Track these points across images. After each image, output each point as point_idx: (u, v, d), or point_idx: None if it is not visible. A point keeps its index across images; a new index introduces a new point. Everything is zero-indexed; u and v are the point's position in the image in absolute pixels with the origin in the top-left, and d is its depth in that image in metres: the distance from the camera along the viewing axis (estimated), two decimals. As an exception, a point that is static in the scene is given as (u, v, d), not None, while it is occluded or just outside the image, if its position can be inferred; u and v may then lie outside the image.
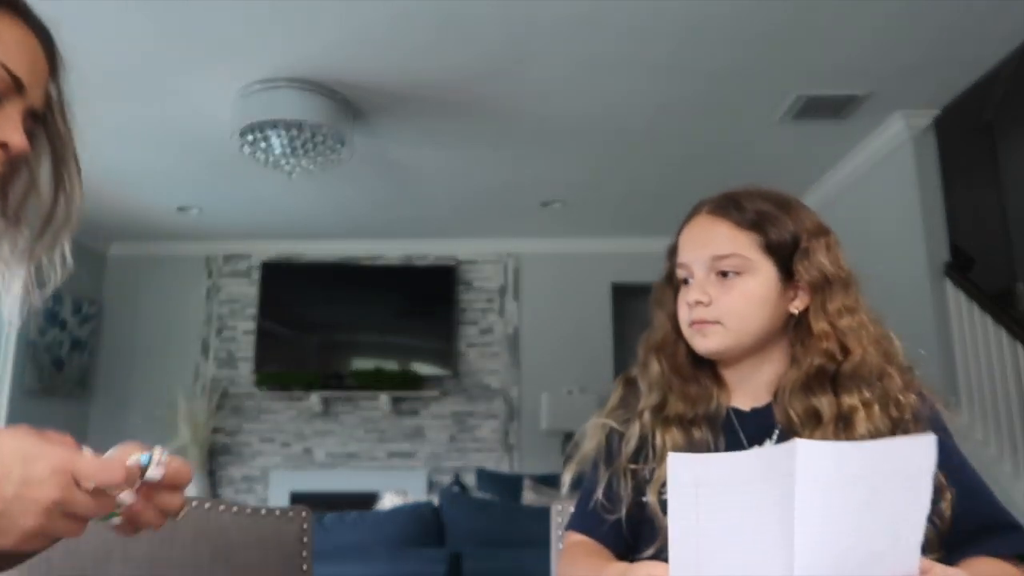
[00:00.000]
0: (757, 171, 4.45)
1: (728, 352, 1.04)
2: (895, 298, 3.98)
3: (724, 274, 1.03)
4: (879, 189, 4.16)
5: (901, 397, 0.98)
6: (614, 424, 1.09)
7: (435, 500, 2.97)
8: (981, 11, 2.88)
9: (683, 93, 3.53)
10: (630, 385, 1.13)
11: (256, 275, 5.94)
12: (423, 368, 5.78)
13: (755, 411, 1.06)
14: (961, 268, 3.79)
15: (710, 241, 1.05)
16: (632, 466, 1.04)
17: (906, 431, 0.97)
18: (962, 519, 0.94)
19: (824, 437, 0.95)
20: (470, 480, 5.52)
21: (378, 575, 2.37)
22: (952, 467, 0.96)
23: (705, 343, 1.04)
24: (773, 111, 3.71)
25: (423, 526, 2.64)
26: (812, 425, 0.97)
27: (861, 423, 0.95)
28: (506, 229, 5.73)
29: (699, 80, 3.41)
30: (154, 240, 5.85)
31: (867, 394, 0.97)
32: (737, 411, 1.07)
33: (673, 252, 1.14)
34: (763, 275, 1.02)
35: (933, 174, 3.81)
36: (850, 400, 0.97)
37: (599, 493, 1.03)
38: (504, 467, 5.66)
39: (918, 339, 3.83)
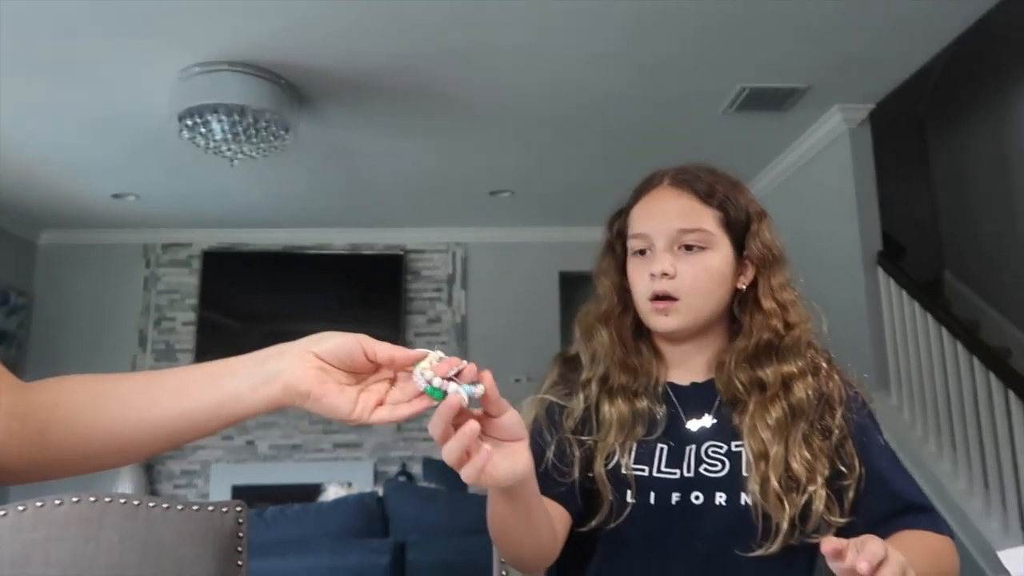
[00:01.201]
0: (703, 161, 4.50)
1: (684, 331, 1.05)
2: (831, 284, 4.10)
3: (688, 248, 1.03)
4: (817, 180, 4.28)
5: (825, 366, 1.05)
6: (553, 398, 1.08)
7: (380, 491, 2.95)
8: (915, 10, 2.98)
9: (630, 83, 3.56)
10: (567, 363, 1.13)
11: (197, 264, 5.79)
12: (370, 358, 5.72)
13: (695, 385, 1.07)
14: (892, 257, 3.93)
15: (675, 214, 1.04)
16: (580, 437, 1.04)
17: (830, 405, 1.02)
18: (880, 502, 0.97)
19: (766, 403, 1.00)
20: (417, 470, 5.50)
21: (321, 567, 2.35)
22: (871, 452, 1.00)
23: (667, 323, 1.04)
24: (718, 102, 3.77)
25: (367, 517, 2.63)
26: (757, 393, 1.01)
27: (799, 389, 1.00)
28: (454, 218, 5.71)
29: (646, 70, 3.44)
30: (88, 228, 5.65)
31: (802, 363, 1.02)
32: (674, 385, 1.08)
33: (615, 221, 1.13)
34: (722, 251, 1.04)
35: (868, 166, 3.94)
36: (789, 368, 1.02)
37: (550, 455, 1.02)
38: (452, 456, 5.65)
39: (851, 324, 4.00)
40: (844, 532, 0.95)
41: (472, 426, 0.66)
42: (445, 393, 0.67)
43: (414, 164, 4.60)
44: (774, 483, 0.95)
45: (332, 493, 3.53)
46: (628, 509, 0.99)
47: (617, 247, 1.12)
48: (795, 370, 1.01)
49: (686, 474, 1.00)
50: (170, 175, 4.65)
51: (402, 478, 5.42)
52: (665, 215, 1.05)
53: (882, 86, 3.68)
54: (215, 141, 3.56)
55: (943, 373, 3.36)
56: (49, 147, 4.14)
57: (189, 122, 3.45)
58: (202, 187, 4.88)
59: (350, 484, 4.08)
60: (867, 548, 0.68)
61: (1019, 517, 2.92)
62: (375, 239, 5.95)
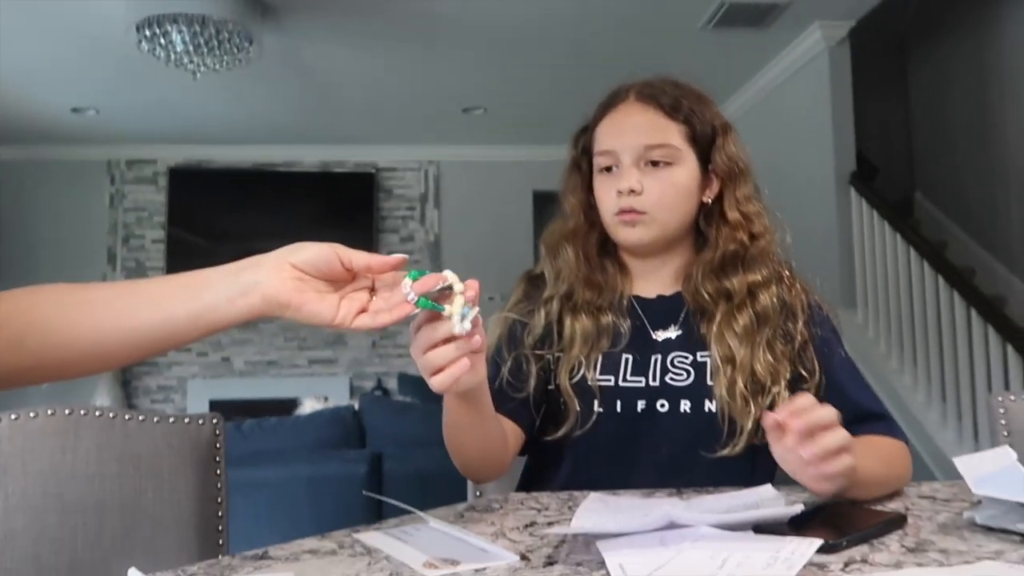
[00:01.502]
0: (679, 78, 4.43)
1: (652, 244, 1.06)
2: (803, 203, 4.13)
3: (654, 164, 1.03)
4: (794, 99, 4.24)
5: (787, 275, 1.07)
6: (516, 316, 1.10)
7: (356, 405, 3.00)
8: (899, -81, 2.90)
9: (606, -5, 3.45)
10: (532, 281, 1.14)
11: (163, 182, 5.65)
12: (344, 277, 5.71)
13: (660, 298, 1.09)
14: (865, 177, 3.95)
15: (641, 129, 1.04)
16: (538, 352, 1.06)
17: (793, 313, 1.05)
18: (838, 409, 1.01)
19: (732, 312, 1.02)
20: (392, 385, 5.58)
21: (300, 477, 2.41)
22: (832, 363, 1.03)
23: (633, 234, 1.04)
24: (696, 18, 3.69)
25: (344, 429, 2.68)
26: (724, 303, 1.03)
27: (764, 297, 1.03)
28: (426, 136, 5.60)
29: (623, -18, 3.34)
30: (47, 143, 5.45)
31: (767, 272, 1.05)
32: (640, 299, 1.09)
33: (580, 138, 1.13)
34: (688, 165, 1.05)
35: (846, 85, 3.91)
36: (755, 277, 1.04)
37: (504, 372, 1.04)
38: (427, 373, 5.73)
39: (822, 243, 4.05)
40: None
41: (463, 364, 0.72)
42: (435, 305, 0.70)
43: (384, 79, 4.47)
44: (740, 386, 0.98)
45: (308, 407, 3.57)
46: (594, 418, 1.02)
47: (583, 164, 1.12)
48: (760, 279, 1.04)
49: (651, 383, 1.02)
50: (131, 88, 4.48)
51: (378, 392, 5.49)
52: (631, 131, 1.04)
53: (863, 3, 3.62)
54: (176, 53, 3.42)
55: (908, 292, 3.44)
56: (1, 58, 3.95)
57: (148, 32, 3.31)
58: (166, 102, 4.71)
59: (326, 398, 4.13)
60: (813, 413, 0.74)
61: (973, 427, 3.05)
62: (346, 156, 5.84)
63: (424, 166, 5.91)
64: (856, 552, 0.65)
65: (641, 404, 1.02)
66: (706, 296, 1.04)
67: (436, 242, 5.88)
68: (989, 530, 0.72)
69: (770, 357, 1.01)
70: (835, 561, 0.63)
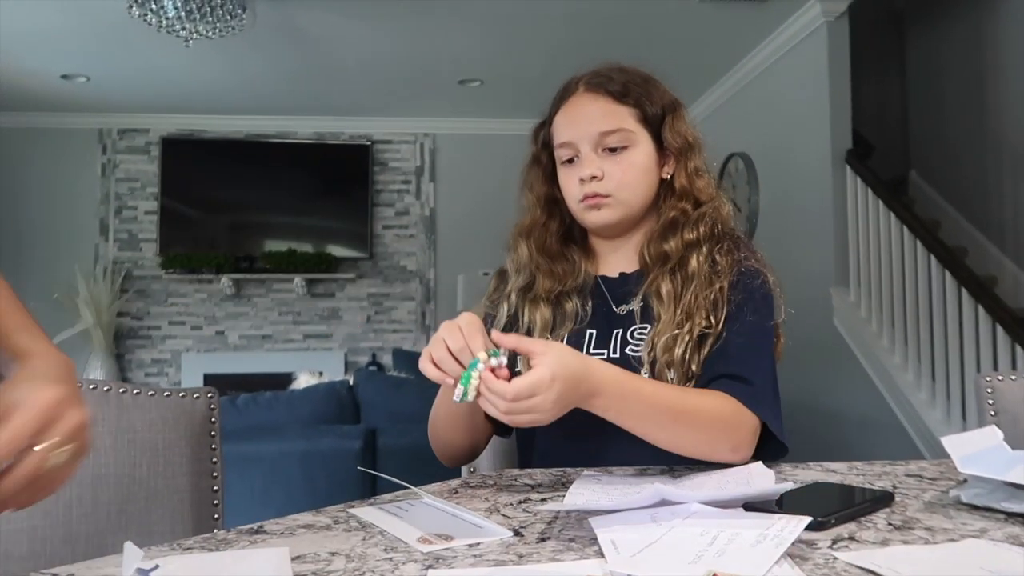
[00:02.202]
0: (676, 52, 4.42)
1: (619, 224, 1.11)
2: (798, 180, 4.13)
3: (612, 150, 1.08)
4: (792, 75, 4.21)
5: (728, 242, 1.10)
6: (486, 311, 1.17)
7: (351, 379, 3.00)
8: None
9: (605, -33, 3.41)
10: (502, 276, 1.21)
11: (156, 152, 5.60)
12: (338, 250, 5.69)
13: (623, 275, 1.13)
14: (861, 156, 3.94)
15: (595, 118, 1.08)
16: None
17: (719, 274, 1.06)
18: (714, 361, 1.02)
19: (662, 276, 1.06)
20: (387, 360, 5.59)
21: (294, 451, 2.42)
22: (734, 321, 1.03)
23: (600, 216, 1.09)
24: (695, -10, 3.65)
25: (338, 404, 2.69)
26: (659, 266, 1.07)
27: (694, 259, 1.06)
28: (422, 108, 5.55)
29: (621, -46, 3.29)
30: (36, 111, 5.38)
31: (702, 230, 1.08)
32: (605, 278, 1.14)
33: (540, 133, 1.17)
34: (643, 146, 1.09)
35: (844, 62, 3.88)
36: (689, 236, 1.08)
37: None
38: (421, 348, 5.74)
39: (816, 221, 4.05)
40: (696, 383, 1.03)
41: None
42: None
43: (380, 50, 4.42)
44: (662, 343, 1.02)
45: (303, 382, 3.58)
46: None
47: (543, 158, 1.17)
48: (693, 237, 1.07)
49: (612, 355, 1.06)
50: (122, 56, 4.41)
51: (372, 368, 5.51)
52: (585, 121, 1.09)
53: (864, -23, 3.58)
54: (167, 19, 3.37)
55: (901, 271, 3.46)
56: (-11, 22, 3.88)
57: (139, -2, 3.25)
58: (158, 70, 4.65)
59: (321, 373, 4.15)
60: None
61: (961, 407, 3.08)
62: (341, 128, 5.78)
63: (420, 139, 5.87)
64: (844, 529, 0.66)
65: None
66: (647, 260, 1.09)
67: (431, 216, 5.86)
68: (974, 508, 0.73)
69: (691, 308, 1.04)
70: (823, 538, 0.64)
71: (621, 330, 1.08)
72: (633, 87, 1.10)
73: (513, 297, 1.14)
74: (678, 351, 1.01)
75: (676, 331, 1.02)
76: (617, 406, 0.89)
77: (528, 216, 1.18)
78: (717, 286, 1.05)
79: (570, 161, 1.10)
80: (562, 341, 1.07)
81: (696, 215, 1.09)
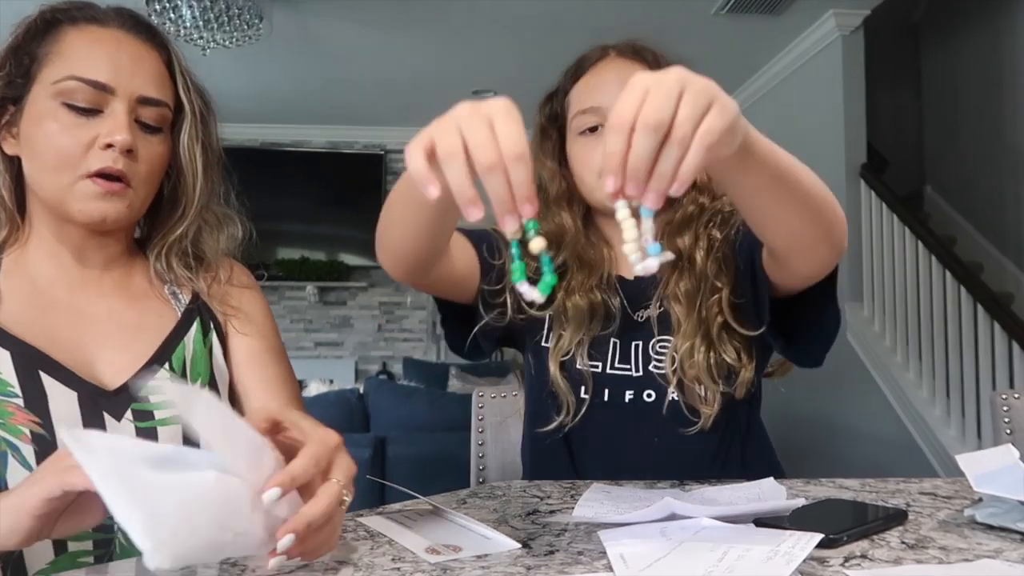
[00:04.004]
0: (691, 64, 4.39)
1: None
2: (813, 198, 4.10)
3: None
4: (806, 88, 4.21)
5: (713, 231, 1.01)
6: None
7: (361, 388, 3.01)
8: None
9: (620, -20, 3.42)
10: None
11: (171, 159, 5.65)
12: (350, 258, 5.72)
13: (638, 279, 1.01)
14: (875, 170, 3.93)
15: None
16: (532, 314, 0.99)
17: (724, 253, 0.99)
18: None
19: (679, 275, 0.98)
20: (398, 369, 5.60)
21: (303, 459, 2.42)
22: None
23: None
24: (710, 2, 3.65)
25: (348, 412, 2.69)
26: (672, 265, 0.98)
27: (698, 258, 0.98)
28: (436, 118, 5.57)
29: (636, -33, 3.31)
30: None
31: (715, 235, 0.99)
32: (621, 278, 1.03)
33: (549, 104, 1.06)
34: None
35: (859, 75, 3.87)
36: (702, 233, 0.99)
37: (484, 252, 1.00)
38: (431, 357, 5.76)
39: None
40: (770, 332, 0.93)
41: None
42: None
43: (395, 60, 4.45)
44: (683, 349, 0.95)
45: (314, 389, 3.59)
46: (583, 407, 0.99)
47: (552, 132, 1.05)
48: (706, 237, 0.99)
49: (636, 373, 0.99)
50: (141, 64, 4.47)
51: (382, 376, 5.52)
52: (619, 86, 0.93)
53: (879, -9, 3.58)
54: (185, 28, 3.41)
55: (916, 286, 3.43)
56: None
57: (157, 6, 3.30)
58: (175, 78, 4.70)
59: (331, 381, 4.15)
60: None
61: (976, 424, 3.05)
62: (355, 137, 5.82)
63: (432, 149, 5.90)
64: (856, 547, 0.66)
65: (629, 394, 0.99)
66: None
67: (443, 225, 5.88)
68: (989, 528, 0.72)
69: (714, 313, 0.96)
70: (835, 556, 0.63)
71: (641, 343, 1.00)
72: (664, 62, 1.00)
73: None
74: (699, 358, 0.94)
75: (693, 339, 0.94)
76: (765, 145, 0.73)
77: (554, 185, 1.03)
78: (721, 255, 0.97)
79: (592, 130, 0.98)
80: (586, 343, 0.98)
81: (711, 209, 1.00)
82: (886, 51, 4.40)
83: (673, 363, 0.96)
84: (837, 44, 3.88)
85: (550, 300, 0.98)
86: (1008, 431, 1.19)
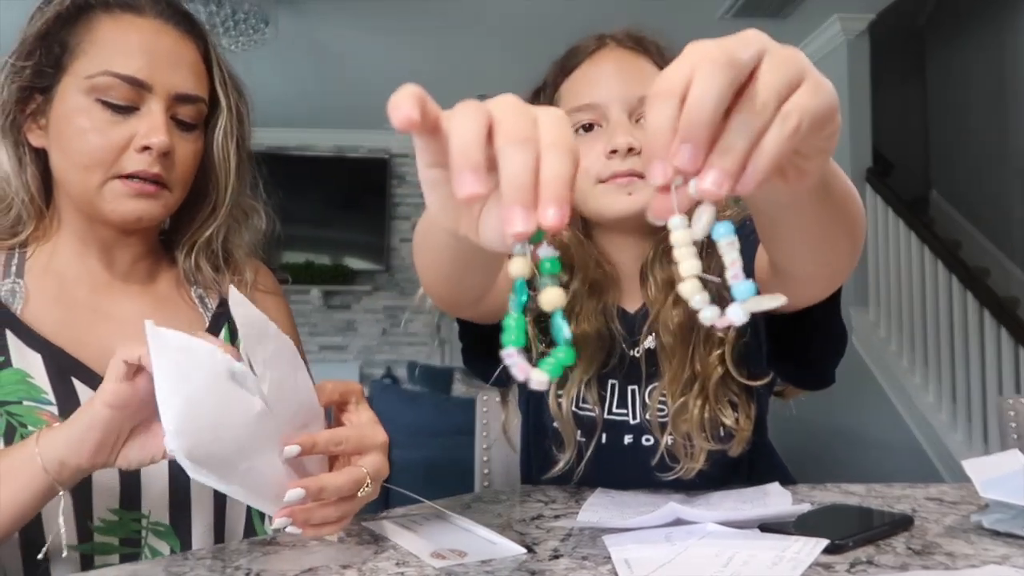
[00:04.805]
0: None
1: (639, 215, 0.82)
2: (818, 202, 4.10)
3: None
4: (811, 93, 4.20)
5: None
6: None
7: (366, 392, 3.01)
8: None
9: (624, -16, 3.42)
10: None
11: (177, 163, 5.68)
12: (355, 263, 5.73)
13: (639, 311, 0.91)
14: (881, 174, 3.92)
15: (633, 78, 0.86)
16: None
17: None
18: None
19: (671, 306, 0.85)
20: (402, 373, 5.60)
21: (308, 463, 2.42)
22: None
23: (631, 203, 0.82)
24: (715, 6, 3.66)
25: (353, 417, 2.68)
26: (665, 293, 0.86)
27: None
28: (441, 122, 5.59)
29: (641, -29, 3.31)
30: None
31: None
32: (622, 311, 0.91)
33: (540, 94, 0.96)
34: None
35: (864, 79, 3.87)
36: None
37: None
38: (436, 361, 5.76)
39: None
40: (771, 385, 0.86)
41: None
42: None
43: (400, 64, 4.46)
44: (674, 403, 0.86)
45: (318, 393, 3.59)
46: (584, 451, 0.91)
47: None
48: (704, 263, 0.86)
49: (632, 421, 0.91)
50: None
51: (387, 381, 5.52)
52: (619, 79, 0.86)
53: (884, -5, 3.58)
54: (192, 33, 3.43)
55: (922, 291, 3.42)
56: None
57: (165, 12, 3.32)
58: (181, 82, 4.73)
59: (335, 385, 4.15)
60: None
61: (982, 430, 3.04)
62: (360, 141, 5.84)
63: (437, 153, 5.91)
64: (862, 553, 0.65)
65: (628, 438, 0.92)
66: (651, 289, 0.87)
67: (448, 230, 5.88)
68: (996, 534, 0.71)
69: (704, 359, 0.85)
70: (840, 562, 0.63)
71: (636, 387, 0.90)
72: (668, 54, 0.90)
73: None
74: (695, 411, 0.83)
75: (687, 396, 0.83)
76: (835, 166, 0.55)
77: None
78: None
79: (588, 128, 0.86)
80: (593, 388, 0.88)
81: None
82: (891, 55, 4.39)
83: (666, 415, 0.88)
84: (843, 48, 3.87)
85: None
86: (1015, 436, 1.18)
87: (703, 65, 0.39)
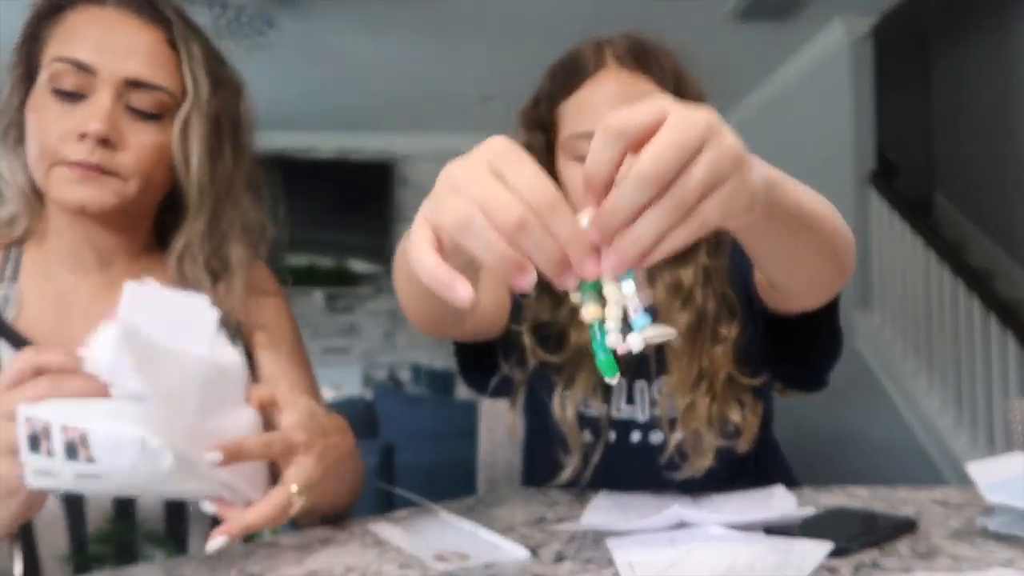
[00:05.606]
0: (699, 71, 4.40)
1: None
2: (822, 204, 4.09)
3: None
4: (815, 95, 4.20)
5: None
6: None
7: (369, 395, 3.01)
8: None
9: (628, -13, 3.43)
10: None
11: (181, 166, 5.69)
12: (358, 265, 5.73)
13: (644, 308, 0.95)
14: (885, 176, 3.91)
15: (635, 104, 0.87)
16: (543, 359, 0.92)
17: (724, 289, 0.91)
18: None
19: (677, 309, 0.89)
20: (405, 376, 5.61)
21: (311, 466, 2.42)
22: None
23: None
24: (720, 6, 3.66)
25: (355, 419, 2.68)
26: (672, 297, 0.89)
27: (698, 294, 0.90)
28: (445, 125, 5.60)
29: (644, -27, 3.31)
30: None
31: (711, 258, 0.90)
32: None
33: (532, 114, 0.96)
34: None
35: (867, 82, 3.87)
36: (706, 263, 0.89)
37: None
38: (439, 363, 5.76)
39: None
40: (771, 384, 0.90)
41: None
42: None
43: (403, 67, 4.47)
44: (682, 399, 0.88)
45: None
46: (591, 453, 0.93)
47: (536, 143, 0.91)
48: (709, 266, 0.89)
49: (641, 418, 0.93)
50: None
51: (390, 383, 5.52)
52: (623, 106, 0.87)
53: (888, -2, 3.58)
54: (197, 36, 3.44)
55: (926, 294, 3.41)
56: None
57: (169, 15, 3.33)
58: (185, 85, 4.74)
59: (340, 387, 4.16)
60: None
61: (987, 433, 3.03)
62: (363, 144, 5.84)
63: (443, 156, 5.90)
64: (866, 556, 0.65)
65: (636, 435, 0.94)
66: (662, 290, 0.89)
67: (451, 232, 5.89)
68: (1001, 537, 0.71)
69: (716, 350, 0.88)
70: (845, 565, 0.62)
71: (645, 383, 0.93)
72: (677, 76, 0.90)
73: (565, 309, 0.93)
74: (703, 408, 0.86)
75: (695, 394, 0.86)
76: (790, 194, 0.61)
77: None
78: (721, 295, 0.89)
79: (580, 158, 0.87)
80: (599, 388, 0.91)
81: (716, 237, 0.89)
82: (895, 57, 4.39)
83: (675, 412, 0.90)
84: (846, 51, 3.87)
85: (561, 345, 0.91)
86: (1020, 439, 1.18)
87: (633, 178, 0.43)
